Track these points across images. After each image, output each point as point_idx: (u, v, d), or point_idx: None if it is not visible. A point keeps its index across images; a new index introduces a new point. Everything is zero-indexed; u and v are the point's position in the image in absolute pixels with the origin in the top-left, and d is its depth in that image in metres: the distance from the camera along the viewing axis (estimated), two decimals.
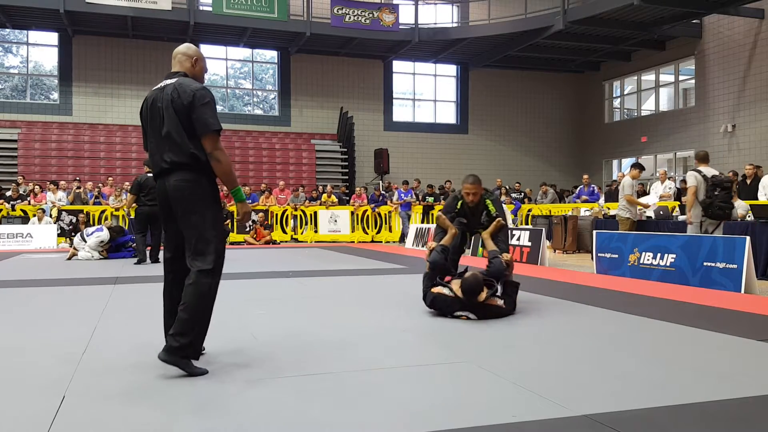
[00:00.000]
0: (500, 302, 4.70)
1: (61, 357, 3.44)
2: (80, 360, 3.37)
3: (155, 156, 3.22)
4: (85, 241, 10.41)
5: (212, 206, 3.18)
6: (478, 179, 5.34)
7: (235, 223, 14.61)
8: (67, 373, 3.09)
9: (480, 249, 5.38)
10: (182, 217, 3.14)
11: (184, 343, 3.03)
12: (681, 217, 8.13)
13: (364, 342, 3.85)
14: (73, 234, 14.06)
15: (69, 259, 10.24)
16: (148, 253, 9.67)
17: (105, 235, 10.49)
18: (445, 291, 4.69)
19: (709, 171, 7.79)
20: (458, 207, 5.39)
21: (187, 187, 3.11)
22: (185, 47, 3.42)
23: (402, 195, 16.71)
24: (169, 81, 3.25)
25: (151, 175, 9.58)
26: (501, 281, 4.85)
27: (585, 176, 17.20)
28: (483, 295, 4.61)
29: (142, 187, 9.51)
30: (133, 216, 10.12)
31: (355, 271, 8.36)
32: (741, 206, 9.00)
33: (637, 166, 9.63)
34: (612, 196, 13.66)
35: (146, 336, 4.07)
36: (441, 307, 4.71)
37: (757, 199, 10.77)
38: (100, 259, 10.34)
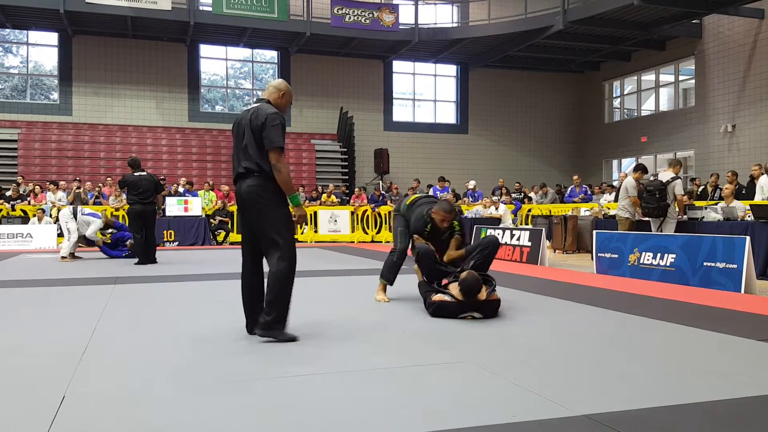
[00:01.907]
0: (498, 295, 4.74)
1: (61, 357, 3.43)
2: (80, 360, 3.37)
3: (235, 163, 3.96)
4: (76, 220, 10.20)
5: (279, 205, 3.83)
6: (453, 207, 5.43)
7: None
8: (67, 373, 3.08)
9: None
10: (256, 215, 3.84)
11: (272, 319, 3.77)
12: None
13: (363, 342, 3.85)
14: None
15: (69, 255, 10.12)
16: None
17: (100, 223, 10.44)
18: (447, 298, 4.67)
19: (665, 176, 8.96)
20: (427, 229, 5.35)
21: (256, 192, 3.81)
22: (278, 82, 4.12)
23: (438, 192, 15.05)
24: (255, 105, 3.99)
25: (137, 174, 9.60)
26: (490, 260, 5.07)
27: (575, 177, 17.17)
28: (483, 293, 4.63)
29: (130, 187, 9.45)
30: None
31: (355, 271, 8.36)
32: (740, 207, 9.01)
33: (641, 168, 9.57)
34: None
35: (146, 335, 4.07)
36: (445, 315, 4.67)
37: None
38: (101, 258, 10.27)
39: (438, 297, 4.71)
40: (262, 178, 3.81)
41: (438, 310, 4.68)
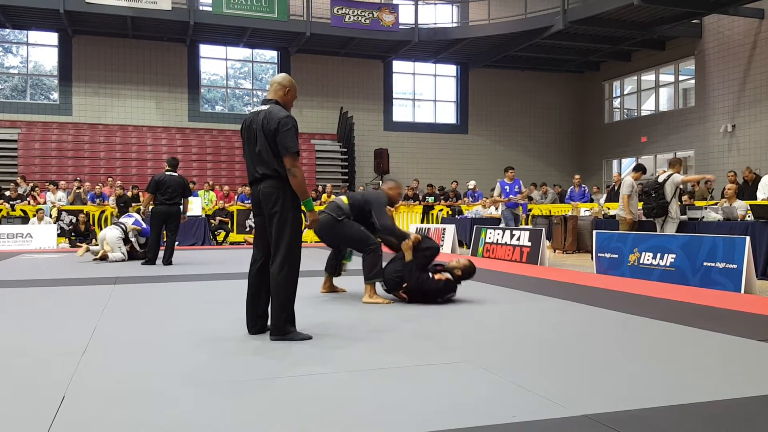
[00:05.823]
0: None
1: (61, 357, 3.43)
2: (80, 360, 3.37)
3: (250, 167, 4.02)
4: (124, 230, 10.01)
5: (291, 209, 3.90)
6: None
7: (235, 225, 15.24)
8: (67, 373, 3.08)
9: None
10: (268, 217, 3.91)
11: (282, 321, 3.85)
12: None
13: (363, 342, 3.85)
14: (73, 235, 14.06)
15: (99, 258, 9.92)
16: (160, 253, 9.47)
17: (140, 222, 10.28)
18: (450, 276, 5.50)
19: (665, 176, 8.93)
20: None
21: (272, 193, 3.88)
22: (281, 78, 4.11)
23: (506, 188, 11.81)
24: (263, 107, 3.99)
25: (168, 173, 9.45)
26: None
27: (576, 177, 17.13)
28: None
29: (159, 185, 9.25)
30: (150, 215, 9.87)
31: (355, 271, 8.35)
32: (741, 206, 9.00)
33: (640, 168, 9.57)
34: (613, 196, 13.65)
35: (147, 335, 4.07)
36: (449, 291, 5.47)
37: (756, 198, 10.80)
38: (124, 260, 10.03)
39: (445, 276, 5.49)
40: (279, 181, 3.88)
41: (447, 288, 5.46)
